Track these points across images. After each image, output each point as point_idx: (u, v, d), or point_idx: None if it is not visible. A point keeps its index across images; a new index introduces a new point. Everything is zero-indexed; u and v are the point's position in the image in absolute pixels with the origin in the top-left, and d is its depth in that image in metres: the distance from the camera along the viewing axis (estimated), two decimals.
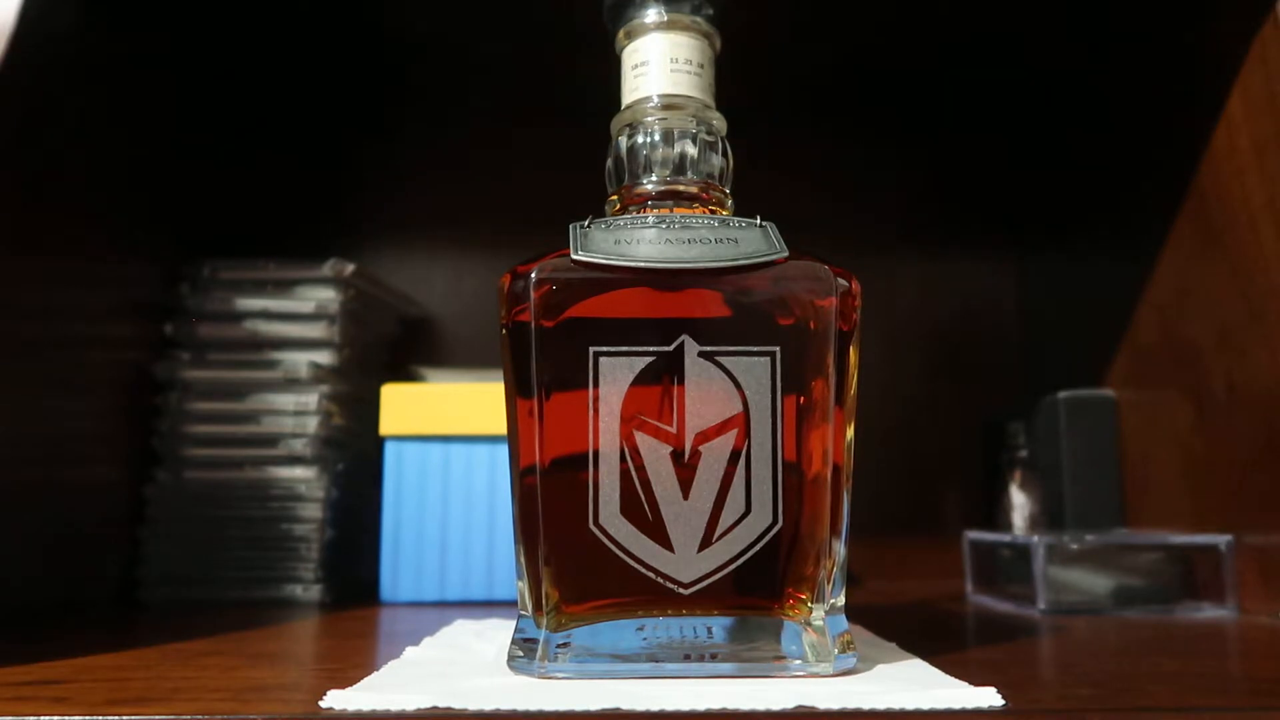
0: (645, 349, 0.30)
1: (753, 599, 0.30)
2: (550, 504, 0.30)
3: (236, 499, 0.53)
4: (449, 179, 0.71)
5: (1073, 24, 0.59)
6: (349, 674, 0.29)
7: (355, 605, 0.51)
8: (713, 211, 0.33)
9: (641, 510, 0.30)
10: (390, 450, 0.53)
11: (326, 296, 0.55)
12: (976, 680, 0.27)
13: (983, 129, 0.72)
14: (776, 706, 0.24)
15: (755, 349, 0.30)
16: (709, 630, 0.29)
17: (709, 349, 0.30)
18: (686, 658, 0.29)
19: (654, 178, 0.33)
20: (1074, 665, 0.33)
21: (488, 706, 0.25)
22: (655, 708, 0.24)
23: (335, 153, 0.72)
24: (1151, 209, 0.54)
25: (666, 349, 0.30)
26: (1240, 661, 0.35)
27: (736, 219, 0.32)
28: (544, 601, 0.29)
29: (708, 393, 0.30)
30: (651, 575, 0.30)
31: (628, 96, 0.35)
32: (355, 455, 0.56)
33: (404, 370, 0.62)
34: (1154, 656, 0.34)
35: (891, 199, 0.73)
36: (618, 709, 0.24)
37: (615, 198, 0.34)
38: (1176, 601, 0.47)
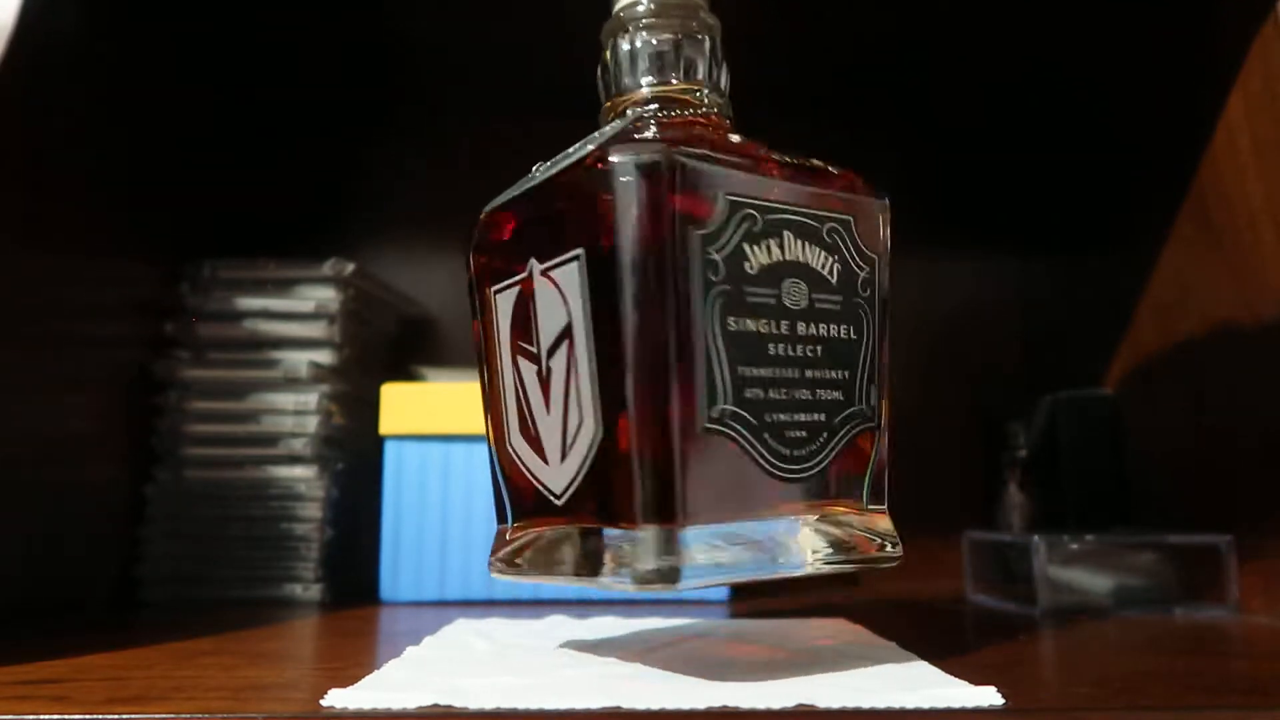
0: (513, 278, 0.31)
1: (598, 511, 0.29)
2: (494, 437, 0.34)
3: (236, 498, 0.53)
4: (449, 178, 0.71)
5: (1073, 24, 0.59)
6: (350, 673, 0.29)
7: (355, 605, 0.51)
8: (707, 118, 0.32)
9: (530, 428, 0.31)
10: (390, 450, 0.53)
11: (326, 296, 0.55)
12: (976, 680, 0.27)
13: (983, 128, 0.72)
14: (777, 705, 0.24)
15: (567, 256, 0.29)
16: (573, 541, 0.30)
17: (545, 265, 0.30)
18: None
19: (646, 83, 0.32)
20: (1074, 665, 0.33)
21: (488, 705, 0.25)
22: (655, 706, 0.24)
23: (335, 152, 0.72)
24: (1151, 209, 0.54)
25: (524, 275, 0.31)
26: (1240, 661, 0.35)
27: (614, 127, 0.32)
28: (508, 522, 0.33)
29: (548, 308, 0.30)
30: (540, 488, 0.31)
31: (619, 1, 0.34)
32: (355, 455, 0.56)
33: (404, 370, 0.62)
34: (1154, 656, 0.34)
35: (891, 199, 0.73)
36: (618, 708, 0.24)
37: (608, 106, 0.33)
38: (1176, 601, 0.47)
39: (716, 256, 0.28)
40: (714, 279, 0.28)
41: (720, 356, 0.28)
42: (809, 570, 0.29)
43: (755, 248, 0.29)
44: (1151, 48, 0.55)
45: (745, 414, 0.28)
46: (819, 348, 0.30)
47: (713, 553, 0.27)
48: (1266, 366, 0.45)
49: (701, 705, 0.25)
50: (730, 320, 0.28)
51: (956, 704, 0.25)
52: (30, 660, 0.32)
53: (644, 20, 0.33)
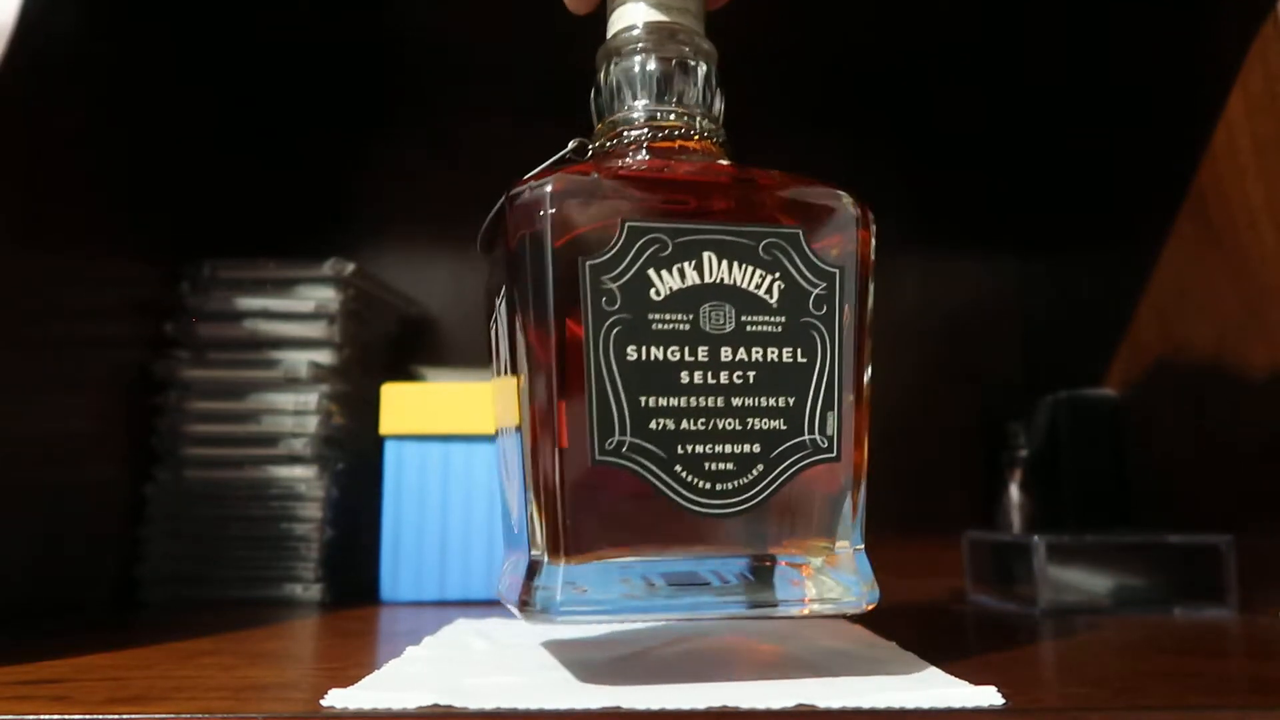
0: (494, 313, 0.33)
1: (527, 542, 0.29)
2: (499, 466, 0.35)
3: (236, 498, 0.53)
4: (450, 178, 0.71)
5: (1073, 25, 0.59)
6: (350, 673, 0.29)
7: (355, 605, 0.51)
8: (680, 143, 0.31)
9: (507, 458, 0.32)
10: (390, 450, 0.53)
11: (326, 296, 0.55)
12: (976, 679, 0.27)
13: (983, 128, 0.72)
14: (777, 705, 0.24)
15: (503, 292, 0.30)
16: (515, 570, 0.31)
17: (499, 300, 0.31)
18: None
19: (639, 109, 0.32)
20: (1074, 665, 0.33)
21: (489, 705, 0.25)
22: (655, 706, 0.24)
23: (335, 152, 0.72)
24: (1151, 209, 0.54)
25: (495, 312, 0.33)
26: (1240, 661, 0.35)
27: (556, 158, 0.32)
28: None
29: (501, 342, 0.32)
30: (513, 516, 0.31)
31: (614, 25, 0.33)
32: (355, 455, 0.56)
33: (404, 370, 0.62)
34: (1154, 656, 0.34)
35: (891, 199, 0.72)
36: (618, 708, 0.24)
37: (601, 127, 0.33)
38: (1176, 601, 0.47)
39: (612, 285, 0.27)
40: (609, 309, 0.27)
41: (617, 387, 0.27)
42: (732, 613, 0.28)
43: (664, 273, 0.28)
44: (1151, 48, 0.55)
45: (650, 446, 0.27)
46: (751, 374, 0.28)
47: (599, 589, 0.27)
48: (1266, 367, 0.45)
49: (701, 705, 0.24)
50: (630, 350, 0.27)
51: (956, 704, 0.25)
52: (30, 660, 0.32)
53: (630, 46, 0.32)
